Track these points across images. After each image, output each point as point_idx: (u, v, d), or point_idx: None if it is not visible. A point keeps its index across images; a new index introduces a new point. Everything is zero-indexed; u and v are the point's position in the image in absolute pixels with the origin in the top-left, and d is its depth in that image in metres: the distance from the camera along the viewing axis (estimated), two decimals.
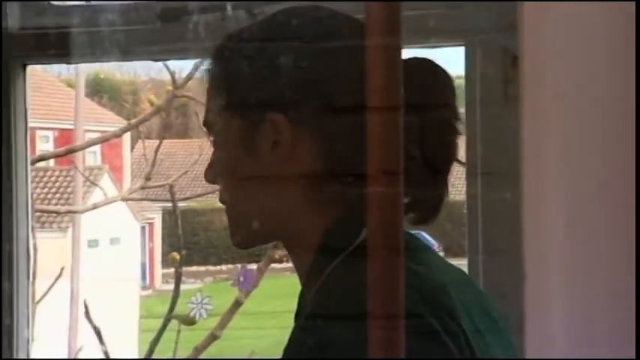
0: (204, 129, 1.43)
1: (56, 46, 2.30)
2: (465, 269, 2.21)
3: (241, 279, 2.51)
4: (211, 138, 1.42)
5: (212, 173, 1.42)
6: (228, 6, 2.13)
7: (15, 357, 2.40)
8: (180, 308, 2.90)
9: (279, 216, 1.36)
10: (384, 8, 0.48)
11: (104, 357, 2.75)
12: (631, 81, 0.50)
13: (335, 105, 1.32)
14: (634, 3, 0.52)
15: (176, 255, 2.65)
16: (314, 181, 1.33)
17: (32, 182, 2.30)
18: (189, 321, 2.78)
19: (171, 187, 2.63)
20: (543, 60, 0.50)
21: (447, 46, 2.21)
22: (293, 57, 1.34)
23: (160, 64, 2.94)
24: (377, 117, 0.51)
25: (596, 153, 0.51)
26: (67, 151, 3.84)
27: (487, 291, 1.97)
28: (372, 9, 0.48)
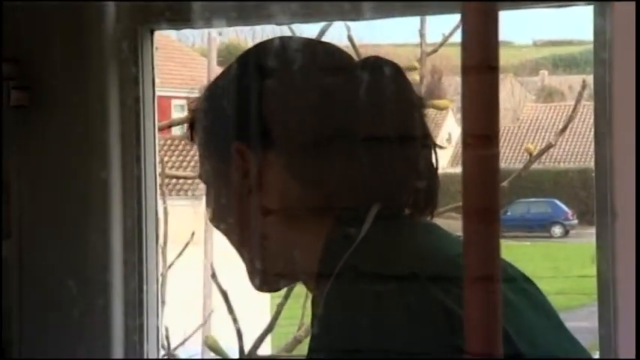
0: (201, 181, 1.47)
1: (182, 11, 2.32)
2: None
3: None
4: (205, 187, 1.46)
5: (212, 219, 1.45)
6: None
7: (145, 320, 2.45)
8: None
9: (284, 245, 1.38)
10: None
11: (233, 321, 2.79)
12: None
13: (294, 128, 1.36)
14: (633, 3, 0.50)
15: None
16: (293, 199, 1.36)
17: (167, 150, 2.34)
18: None
19: None
20: None
21: (575, 3, 2.15)
22: (255, 92, 1.39)
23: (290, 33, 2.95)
24: (473, 78, 0.50)
25: None
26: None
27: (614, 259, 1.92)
28: None
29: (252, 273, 1.42)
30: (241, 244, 1.42)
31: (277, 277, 1.42)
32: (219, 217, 1.43)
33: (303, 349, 3.40)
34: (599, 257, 2.05)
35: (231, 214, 1.40)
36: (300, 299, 3.59)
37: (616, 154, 1.70)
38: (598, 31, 2.04)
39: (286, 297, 2.82)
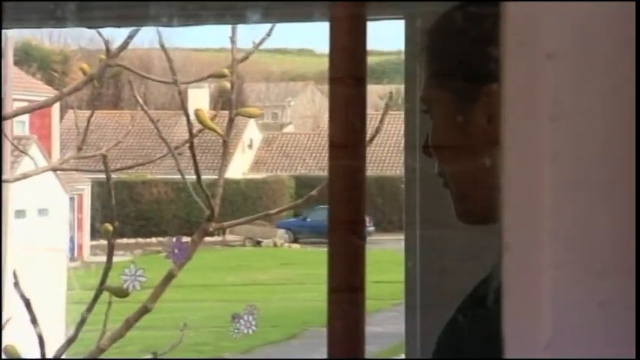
0: (421, 103, 1.46)
1: (27, 10, 2.24)
2: (401, 244, 2.20)
3: (176, 251, 2.48)
4: (427, 111, 1.44)
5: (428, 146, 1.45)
6: None
7: None
8: (112, 280, 2.86)
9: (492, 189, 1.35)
10: None
11: (36, 330, 2.71)
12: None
13: None
14: (634, 3, 0.51)
15: (109, 226, 2.61)
16: None
17: None
18: (121, 293, 2.74)
19: (104, 157, 2.59)
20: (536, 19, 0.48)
21: (386, 19, 2.20)
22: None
23: (90, 33, 2.89)
24: (339, 89, 0.49)
25: (594, 115, 0.50)
26: None
27: (426, 266, 1.97)
28: None
29: (461, 204, 1.44)
30: (455, 178, 1.42)
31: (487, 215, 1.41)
32: (436, 146, 1.43)
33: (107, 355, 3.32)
34: (408, 265, 2.10)
35: (454, 148, 1.42)
36: (103, 306, 3.51)
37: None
38: (409, 43, 2.09)
39: (92, 303, 2.75)
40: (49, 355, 2.89)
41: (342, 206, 0.50)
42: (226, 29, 3.28)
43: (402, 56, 2.09)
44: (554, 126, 0.50)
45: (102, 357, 3.22)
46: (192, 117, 2.84)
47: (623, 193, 0.51)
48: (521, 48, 0.49)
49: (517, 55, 0.49)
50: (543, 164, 0.50)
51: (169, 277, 2.74)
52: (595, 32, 0.49)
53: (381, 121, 2.66)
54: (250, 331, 2.66)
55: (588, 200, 0.51)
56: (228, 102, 2.98)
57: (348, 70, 0.50)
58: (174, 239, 2.48)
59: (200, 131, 3.02)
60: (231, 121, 2.83)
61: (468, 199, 1.41)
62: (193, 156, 2.70)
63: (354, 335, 0.47)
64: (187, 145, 2.83)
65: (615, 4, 0.49)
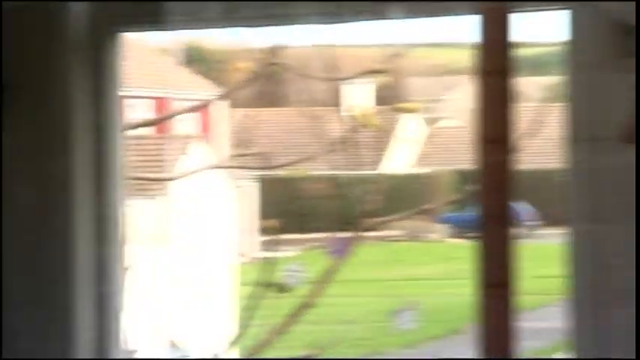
0: None
1: (150, 14, 2.31)
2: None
3: (337, 248, 2.50)
4: None
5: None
6: None
7: (106, 321, 2.43)
8: (276, 276, 2.92)
9: None
10: None
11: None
12: None
13: None
14: (634, 3, 0.50)
15: (274, 222, 2.66)
16: None
17: (128, 150, 2.36)
18: (283, 289, 2.79)
19: (268, 155, 2.63)
20: None
21: (550, 9, 2.17)
22: None
23: (252, 33, 2.95)
24: (488, 82, 0.49)
25: None
26: (158, 119, 3.85)
27: (591, 261, 1.91)
28: None
29: None
30: None
31: None
32: None
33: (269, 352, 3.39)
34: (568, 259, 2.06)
35: None
36: (266, 301, 3.59)
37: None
38: (574, 35, 2.04)
39: (257, 300, 2.81)
40: (216, 350, 2.96)
41: (491, 201, 0.50)
42: (374, 27, 3.29)
43: (560, 47, 2.05)
44: None
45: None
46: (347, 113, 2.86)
47: None
48: None
49: None
50: None
51: (330, 272, 2.77)
52: None
53: (543, 113, 2.65)
54: (411, 326, 2.66)
55: None
56: (389, 97, 3.01)
57: (496, 64, 0.50)
58: (335, 236, 2.50)
59: (362, 127, 3.05)
60: (392, 117, 2.85)
61: None
62: (355, 153, 2.73)
63: (504, 328, 0.47)
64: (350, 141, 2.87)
65: None
